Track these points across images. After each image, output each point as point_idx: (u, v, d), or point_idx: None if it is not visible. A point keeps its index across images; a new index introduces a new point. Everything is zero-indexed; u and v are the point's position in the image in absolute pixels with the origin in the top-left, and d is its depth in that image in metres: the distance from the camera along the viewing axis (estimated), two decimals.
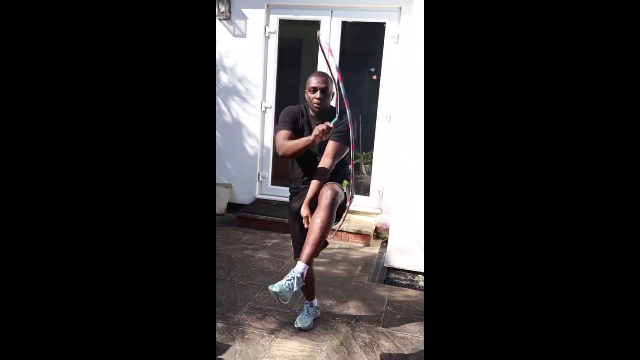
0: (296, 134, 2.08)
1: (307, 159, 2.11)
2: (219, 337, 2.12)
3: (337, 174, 2.14)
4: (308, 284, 2.21)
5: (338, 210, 2.01)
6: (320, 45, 2.06)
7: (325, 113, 2.09)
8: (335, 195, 1.94)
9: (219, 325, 2.24)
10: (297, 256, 2.17)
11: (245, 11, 3.98)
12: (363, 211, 4.00)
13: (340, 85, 1.89)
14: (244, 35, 4.02)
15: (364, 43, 4.20)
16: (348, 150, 2.07)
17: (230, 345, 2.06)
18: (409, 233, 2.96)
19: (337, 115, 2.04)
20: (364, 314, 2.47)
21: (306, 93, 2.08)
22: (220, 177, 4.29)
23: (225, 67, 4.11)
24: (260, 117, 4.16)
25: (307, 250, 1.87)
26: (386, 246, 3.20)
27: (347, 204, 2.12)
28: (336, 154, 2.05)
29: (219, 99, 4.16)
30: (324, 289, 2.75)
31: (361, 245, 3.67)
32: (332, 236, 2.10)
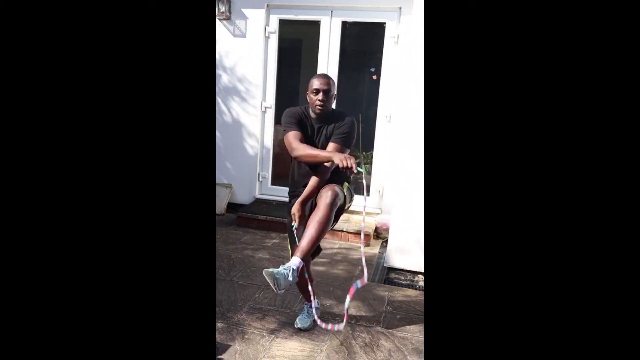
0: (304, 134, 2.08)
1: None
2: (219, 337, 2.12)
3: (338, 175, 2.14)
4: (304, 286, 2.20)
5: (336, 212, 2.00)
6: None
7: (327, 115, 2.09)
8: (335, 196, 1.94)
9: (219, 325, 2.24)
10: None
11: (245, 11, 3.98)
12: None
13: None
14: (244, 35, 4.02)
15: (364, 43, 4.20)
16: (348, 152, 2.07)
17: (230, 345, 2.06)
18: (409, 233, 2.96)
19: (342, 119, 2.05)
20: (364, 314, 2.47)
21: (308, 95, 2.08)
22: (220, 177, 4.29)
23: (225, 67, 4.11)
24: (260, 117, 4.16)
25: (302, 246, 1.87)
26: (386, 246, 3.20)
27: (347, 206, 2.12)
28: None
29: (219, 99, 4.16)
30: (324, 289, 2.75)
31: (361, 245, 3.66)
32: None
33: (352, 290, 1.79)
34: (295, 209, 2.09)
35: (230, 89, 4.15)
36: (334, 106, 2.15)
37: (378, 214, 3.98)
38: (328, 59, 3.91)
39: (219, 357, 1.97)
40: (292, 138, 2.04)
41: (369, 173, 4.18)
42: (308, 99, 2.09)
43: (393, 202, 3.13)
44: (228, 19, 3.99)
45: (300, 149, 2.00)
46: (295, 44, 4.51)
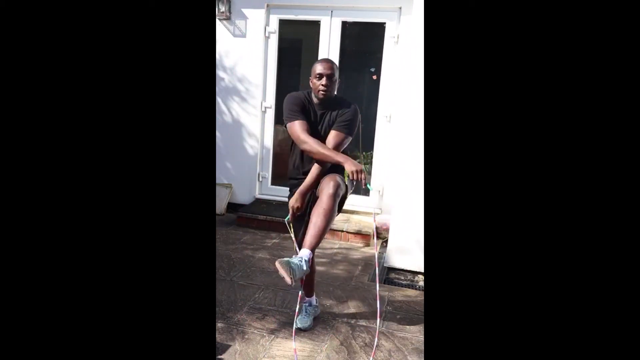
0: (308, 121, 2.03)
1: None
2: (219, 337, 2.12)
3: (338, 164, 2.12)
4: (308, 279, 2.20)
5: (339, 202, 1.99)
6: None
7: (330, 101, 2.06)
8: (337, 186, 1.92)
9: (219, 325, 2.24)
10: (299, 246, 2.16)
11: (245, 11, 3.98)
12: (363, 211, 3.99)
13: None
14: (244, 35, 4.02)
15: (364, 43, 4.20)
16: (350, 139, 2.05)
17: (230, 345, 2.06)
18: (409, 233, 2.96)
19: (346, 106, 2.02)
20: (364, 314, 2.47)
21: (311, 80, 2.04)
22: (220, 177, 4.29)
23: (225, 67, 4.11)
24: (260, 117, 4.16)
25: (311, 238, 1.86)
26: (386, 246, 3.20)
27: (348, 194, 2.11)
28: (339, 144, 2.03)
29: (219, 99, 4.16)
30: (324, 289, 2.75)
31: (361, 245, 3.67)
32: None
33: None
34: (294, 201, 2.06)
35: (230, 89, 4.14)
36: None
37: (378, 214, 3.98)
38: None
39: (219, 357, 1.97)
40: (299, 129, 2.00)
41: (369, 173, 4.17)
42: (311, 84, 2.05)
43: (393, 202, 3.13)
44: (228, 19, 3.99)
45: (311, 144, 1.96)
46: (295, 44, 4.51)
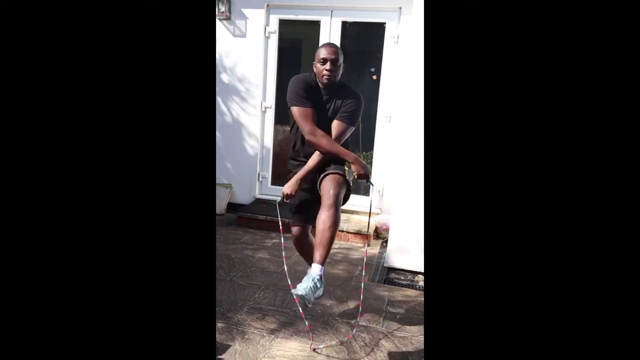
0: (314, 107, 2.00)
1: None
2: (219, 337, 2.12)
3: (338, 160, 2.09)
4: (310, 250, 2.12)
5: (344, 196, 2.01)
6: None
7: (335, 87, 2.03)
8: (338, 193, 1.92)
9: (219, 325, 2.24)
10: (295, 223, 2.16)
11: (245, 11, 3.98)
12: (363, 211, 3.99)
13: None
14: (244, 35, 4.02)
15: (364, 43, 4.20)
16: (353, 130, 2.04)
17: (230, 345, 2.06)
18: (409, 233, 2.96)
19: (348, 97, 2.00)
20: (364, 314, 2.47)
21: (315, 65, 2.02)
22: (220, 177, 4.29)
23: (225, 67, 4.11)
24: (260, 117, 4.16)
25: (321, 252, 1.86)
26: (386, 246, 3.20)
27: (350, 191, 2.11)
28: (341, 134, 2.02)
29: (219, 99, 4.16)
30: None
31: (361, 245, 3.67)
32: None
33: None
34: (289, 187, 2.04)
35: (230, 89, 4.15)
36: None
37: (378, 214, 3.98)
38: None
39: (219, 357, 1.97)
40: (305, 116, 1.97)
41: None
42: (315, 69, 2.03)
43: (393, 202, 3.13)
44: (228, 19, 3.99)
45: (319, 138, 1.94)
46: (295, 44, 4.51)
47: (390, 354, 2.09)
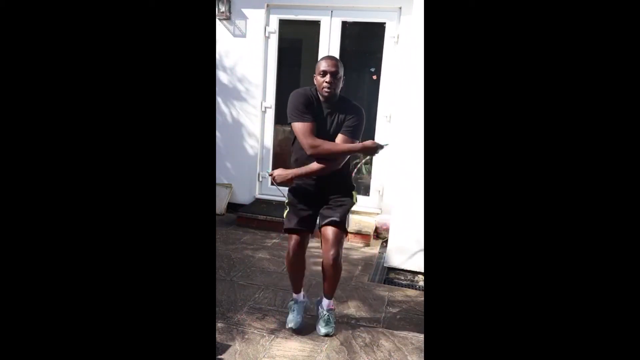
0: (315, 121, 1.99)
1: None
2: (219, 337, 2.12)
3: (345, 182, 2.15)
4: (301, 272, 2.25)
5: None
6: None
7: (336, 101, 2.03)
8: (338, 255, 2.09)
9: (219, 325, 2.24)
10: (288, 226, 2.15)
11: (245, 11, 3.98)
12: (363, 211, 3.99)
13: None
14: (244, 35, 4.02)
15: (364, 43, 4.20)
16: (357, 142, 2.05)
17: (230, 345, 2.06)
18: (409, 233, 2.96)
19: (352, 113, 2.02)
20: (364, 314, 2.47)
21: (315, 77, 2.01)
22: (220, 177, 4.29)
23: (225, 67, 4.11)
24: (260, 117, 4.16)
25: (329, 288, 2.19)
26: (386, 246, 3.20)
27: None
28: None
29: (219, 99, 4.16)
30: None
31: (361, 245, 3.67)
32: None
33: None
34: (281, 176, 2.03)
35: (230, 89, 4.14)
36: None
37: (378, 214, 3.98)
38: None
39: (219, 357, 1.97)
40: (305, 132, 1.95)
41: (369, 173, 4.18)
42: (315, 81, 2.02)
43: (393, 202, 3.13)
44: (228, 19, 3.99)
45: (322, 146, 1.93)
46: (295, 44, 4.51)
47: (390, 354, 2.09)
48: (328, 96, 1.99)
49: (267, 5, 3.96)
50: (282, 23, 4.01)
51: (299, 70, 4.57)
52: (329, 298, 2.24)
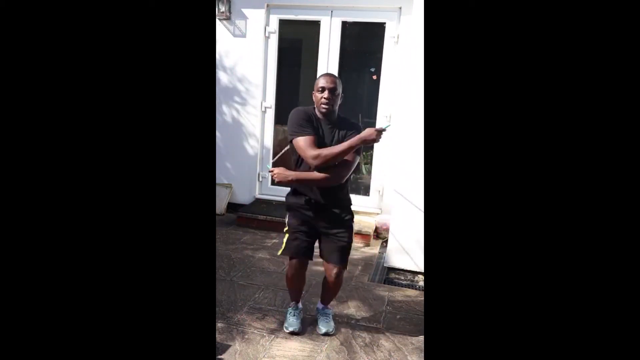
0: (317, 137, 1.99)
1: None
2: (219, 337, 2.12)
3: (345, 199, 2.15)
4: (302, 285, 2.31)
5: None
6: None
7: (334, 119, 2.05)
8: (340, 281, 2.20)
9: (219, 325, 2.24)
10: (287, 254, 2.13)
11: (245, 11, 3.98)
12: (363, 211, 3.99)
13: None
14: (244, 35, 4.02)
15: (364, 43, 4.20)
16: (358, 161, 2.05)
17: (230, 345, 2.06)
18: (409, 233, 2.96)
19: (350, 129, 2.02)
20: (364, 314, 2.47)
21: (314, 94, 2.03)
22: (220, 177, 4.29)
23: (225, 67, 4.11)
24: (260, 117, 4.16)
25: (329, 297, 2.29)
26: (386, 246, 3.20)
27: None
28: (349, 163, 2.01)
29: (219, 99, 4.16)
30: None
31: (361, 245, 3.67)
32: None
33: None
34: (281, 176, 2.01)
35: (230, 89, 4.15)
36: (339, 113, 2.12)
37: (378, 214, 3.98)
38: (328, 59, 3.91)
39: (219, 357, 1.97)
40: (307, 145, 1.94)
41: (369, 173, 4.17)
42: (313, 98, 2.04)
43: (393, 202, 3.13)
44: (228, 19, 3.99)
45: (324, 153, 1.90)
46: (295, 44, 4.51)
47: (390, 354, 2.09)
48: (326, 112, 2.00)
49: (267, 5, 3.96)
50: (282, 23, 4.01)
51: (299, 70, 4.57)
52: (325, 304, 2.33)
